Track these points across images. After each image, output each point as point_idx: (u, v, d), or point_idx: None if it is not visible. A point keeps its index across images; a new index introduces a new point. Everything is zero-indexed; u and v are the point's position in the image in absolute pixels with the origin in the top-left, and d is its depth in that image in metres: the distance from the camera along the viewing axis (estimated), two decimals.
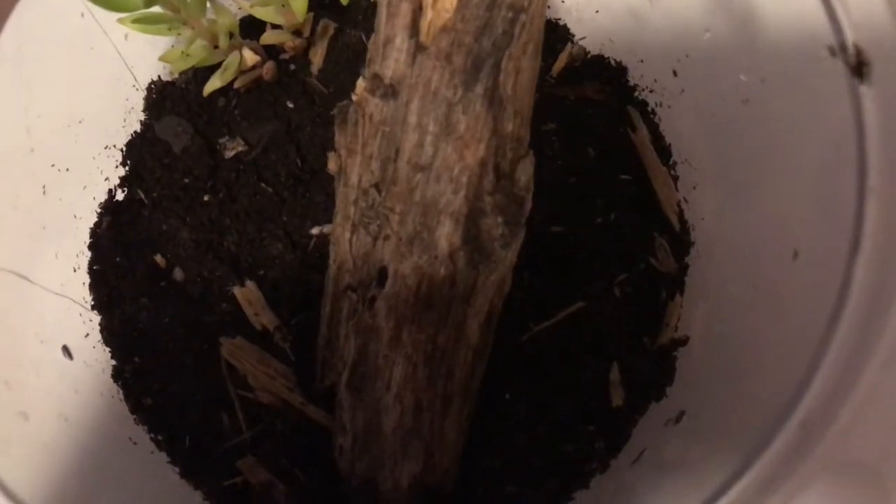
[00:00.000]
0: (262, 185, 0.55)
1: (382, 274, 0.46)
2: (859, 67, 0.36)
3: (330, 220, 0.52)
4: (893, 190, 0.34)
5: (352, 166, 0.48)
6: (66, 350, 0.49)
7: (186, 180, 0.55)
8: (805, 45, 0.39)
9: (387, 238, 0.46)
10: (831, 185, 0.37)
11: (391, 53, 0.45)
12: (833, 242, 0.36)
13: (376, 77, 0.45)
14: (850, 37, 0.36)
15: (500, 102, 0.43)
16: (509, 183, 0.45)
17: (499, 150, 0.44)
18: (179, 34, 0.51)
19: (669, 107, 0.54)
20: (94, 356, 0.51)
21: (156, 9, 0.48)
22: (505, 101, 0.43)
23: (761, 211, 0.45)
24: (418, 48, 0.44)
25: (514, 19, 0.43)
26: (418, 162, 0.44)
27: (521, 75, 0.44)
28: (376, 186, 0.46)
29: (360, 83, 0.47)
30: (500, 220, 0.44)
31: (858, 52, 0.36)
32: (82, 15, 0.49)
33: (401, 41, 0.44)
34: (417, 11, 0.44)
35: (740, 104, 0.46)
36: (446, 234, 0.43)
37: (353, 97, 0.47)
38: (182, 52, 0.52)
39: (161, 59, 0.53)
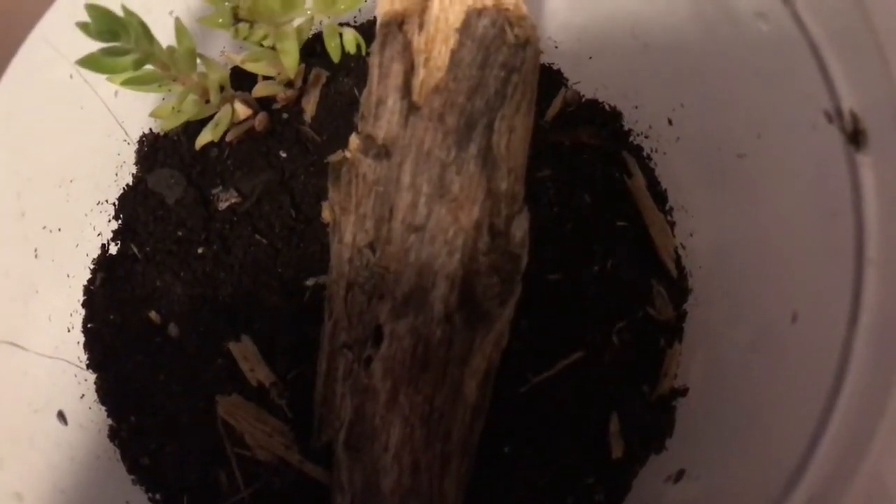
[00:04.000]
0: (257, 236, 0.55)
1: (378, 333, 0.46)
2: (856, 135, 0.36)
3: (325, 271, 0.52)
4: (892, 261, 0.34)
5: (346, 224, 0.47)
6: (61, 416, 0.49)
7: (180, 233, 0.55)
8: (801, 108, 0.39)
9: (382, 297, 0.45)
10: (829, 253, 0.37)
11: (383, 114, 0.44)
12: (832, 310, 0.36)
13: (369, 138, 0.45)
14: (846, 103, 0.36)
15: (494, 162, 0.43)
16: (504, 240, 0.44)
17: (493, 208, 0.43)
18: (170, 90, 0.50)
19: (665, 153, 0.54)
20: (90, 417, 0.51)
21: (146, 67, 0.48)
22: (499, 161, 0.43)
23: (759, 266, 0.45)
24: (411, 108, 0.44)
25: (506, 79, 0.43)
26: (412, 223, 0.43)
27: (515, 133, 0.44)
28: (370, 246, 0.46)
29: (354, 140, 0.46)
30: (495, 279, 0.44)
31: (855, 120, 0.36)
32: (71, 77, 0.49)
33: (393, 102, 0.44)
34: (409, 72, 0.44)
35: (736, 157, 0.46)
36: (442, 295, 0.43)
37: (347, 154, 0.47)
38: (173, 108, 0.51)
39: (152, 114, 0.53)
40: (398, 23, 0.44)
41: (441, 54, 0.44)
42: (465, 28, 0.43)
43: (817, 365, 0.36)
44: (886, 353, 0.34)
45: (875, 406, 0.33)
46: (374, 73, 0.44)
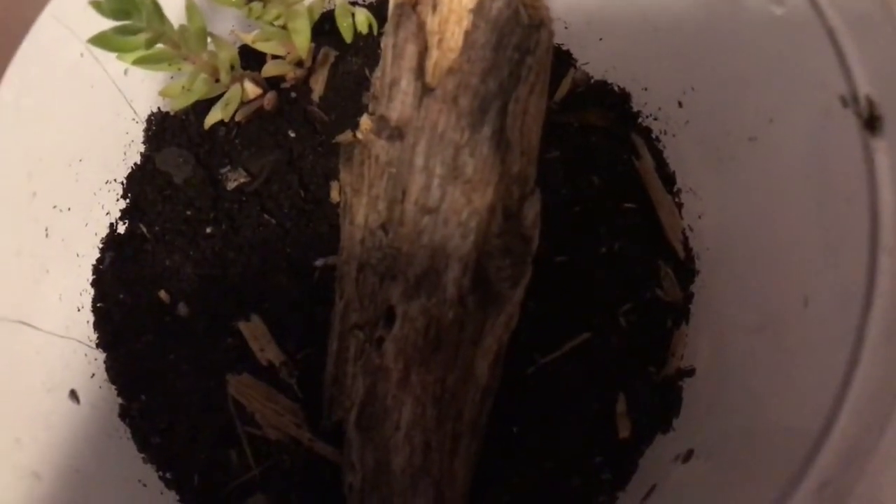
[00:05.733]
0: (265, 216, 0.55)
1: (390, 314, 0.46)
2: (872, 120, 0.36)
3: (334, 251, 0.52)
4: None
5: (357, 206, 0.47)
6: (73, 395, 0.49)
7: (188, 212, 0.55)
8: (816, 92, 0.39)
9: (394, 278, 0.45)
10: (842, 240, 0.37)
11: (397, 95, 0.44)
12: (845, 296, 0.36)
13: (382, 119, 0.45)
14: (862, 88, 0.36)
15: (508, 144, 0.43)
16: (516, 222, 0.44)
17: (506, 190, 0.44)
18: (180, 69, 0.50)
19: (674, 136, 0.54)
20: (101, 396, 0.51)
21: (158, 46, 0.47)
22: (512, 143, 0.43)
23: (768, 250, 0.45)
24: (424, 90, 0.44)
25: (520, 60, 0.43)
26: (426, 204, 0.44)
27: (528, 115, 0.44)
28: (383, 227, 0.46)
29: (365, 122, 0.46)
30: (508, 261, 0.44)
31: (871, 105, 0.36)
32: (81, 55, 0.49)
33: (406, 83, 0.44)
34: (423, 53, 0.44)
35: (747, 141, 0.46)
36: (455, 277, 0.43)
37: (359, 136, 0.47)
38: (183, 87, 0.51)
39: (161, 93, 0.52)
40: (412, 3, 0.44)
41: (455, 35, 0.43)
42: (479, 9, 0.43)
43: (830, 350, 0.37)
44: None
45: (889, 393, 0.33)
46: (388, 53, 0.44)
